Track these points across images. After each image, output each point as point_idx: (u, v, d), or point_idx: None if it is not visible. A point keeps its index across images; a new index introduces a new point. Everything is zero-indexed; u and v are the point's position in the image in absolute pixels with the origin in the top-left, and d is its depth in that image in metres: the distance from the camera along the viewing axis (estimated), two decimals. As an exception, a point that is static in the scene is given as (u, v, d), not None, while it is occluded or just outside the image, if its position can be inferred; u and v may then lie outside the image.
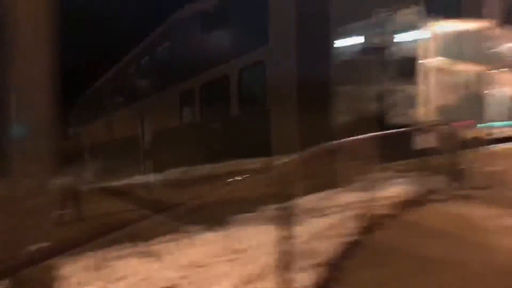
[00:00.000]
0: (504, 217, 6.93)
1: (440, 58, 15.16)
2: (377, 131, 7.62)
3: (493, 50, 19.12)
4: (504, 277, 4.56)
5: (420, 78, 14.69)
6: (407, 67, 15.00)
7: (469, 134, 10.77)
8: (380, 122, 13.33)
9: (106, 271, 4.74)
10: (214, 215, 6.32)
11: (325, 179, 8.57)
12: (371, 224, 6.26)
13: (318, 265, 4.79)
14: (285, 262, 3.93)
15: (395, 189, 8.47)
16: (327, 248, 5.26)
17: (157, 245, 5.79)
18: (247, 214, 7.28)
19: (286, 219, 3.91)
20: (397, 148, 9.12)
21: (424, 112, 14.39)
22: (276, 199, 3.92)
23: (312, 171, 5.51)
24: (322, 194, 8.09)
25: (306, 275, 4.48)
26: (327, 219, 6.71)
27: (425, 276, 4.58)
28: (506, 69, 20.09)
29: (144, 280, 4.48)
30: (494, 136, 20.03)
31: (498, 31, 19.93)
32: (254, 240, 5.38)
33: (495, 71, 19.38)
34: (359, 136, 6.49)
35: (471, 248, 5.47)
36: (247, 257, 4.74)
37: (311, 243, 5.41)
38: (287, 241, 3.91)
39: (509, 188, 9.22)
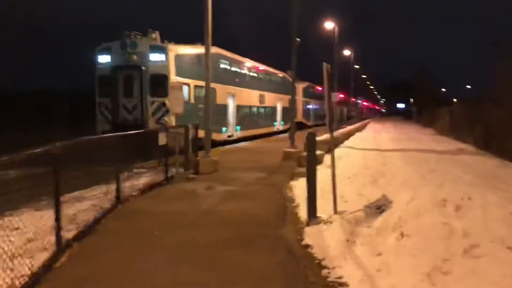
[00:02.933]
0: (215, 188, 10.42)
1: (180, 76, 18.77)
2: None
3: (222, 71, 24.22)
4: (204, 215, 7.72)
5: (166, 92, 17.91)
6: (157, 83, 18.09)
7: (200, 134, 14.30)
8: (136, 126, 15.95)
9: None
10: None
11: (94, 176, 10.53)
12: (124, 200, 8.73)
13: (78, 226, 6.93)
14: (56, 228, 5.90)
15: (144, 179, 11.12)
16: (89, 216, 7.44)
17: None
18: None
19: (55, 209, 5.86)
20: (147, 145, 11.87)
21: (168, 118, 17.64)
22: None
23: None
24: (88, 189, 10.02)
25: (73, 232, 6.59)
26: (89, 202, 8.81)
27: (156, 220, 7.33)
28: (235, 85, 25.61)
29: None
30: (232, 137, 25.36)
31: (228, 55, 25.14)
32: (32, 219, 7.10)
33: (228, 86, 24.58)
34: (112, 135, 8.87)
35: (188, 204, 8.55)
36: (29, 231, 6.44)
37: (78, 215, 7.46)
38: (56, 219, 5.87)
39: (225, 172, 13.09)
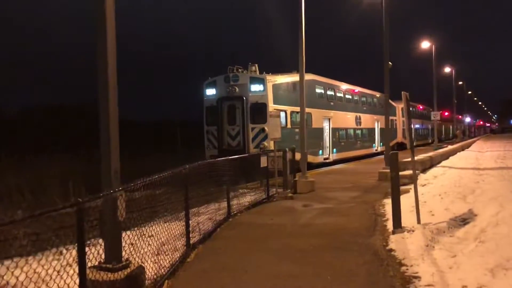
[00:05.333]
0: (312, 206, 11.52)
1: (278, 103, 20.34)
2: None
3: (318, 96, 25.40)
4: (302, 227, 8.88)
5: (265, 119, 19.53)
6: (256, 111, 19.85)
7: (297, 157, 15.53)
8: (238, 151, 17.72)
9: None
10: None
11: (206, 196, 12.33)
12: (233, 214, 10.23)
13: (201, 233, 8.51)
14: (185, 234, 7.50)
15: (249, 197, 12.62)
16: (207, 226, 9.01)
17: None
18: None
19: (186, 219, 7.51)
20: (251, 166, 13.45)
21: (267, 143, 19.15)
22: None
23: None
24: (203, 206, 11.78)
25: (196, 238, 8.16)
26: (206, 215, 10.47)
27: (261, 230, 8.65)
28: (330, 109, 26.58)
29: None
30: (328, 160, 26.23)
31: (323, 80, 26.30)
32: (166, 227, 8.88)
33: (323, 110, 25.66)
34: (223, 159, 10.51)
35: (287, 218, 9.78)
36: (161, 237, 8.17)
37: (198, 225, 9.08)
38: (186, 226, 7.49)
39: (321, 192, 14.12)
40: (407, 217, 8.15)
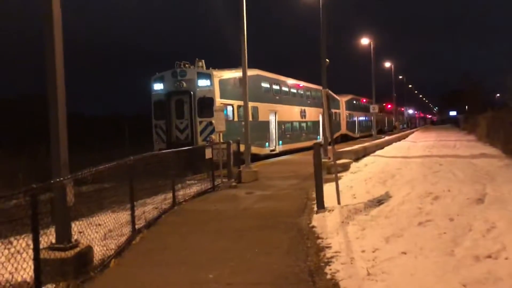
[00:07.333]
0: (254, 193, 12.43)
1: (225, 98, 21.12)
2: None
3: (264, 90, 26.41)
4: (242, 211, 9.75)
5: (213, 113, 20.23)
6: (204, 105, 20.52)
7: (242, 149, 16.42)
8: (187, 144, 18.36)
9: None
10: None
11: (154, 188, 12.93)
12: (178, 203, 10.95)
13: (147, 220, 9.19)
14: (131, 218, 8.17)
15: (195, 188, 13.36)
16: (153, 214, 9.69)
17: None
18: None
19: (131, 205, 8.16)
20: (198, 158, 14.21)
21: (215, 136, 19.92)
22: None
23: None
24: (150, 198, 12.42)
25: (142, 224, 8.83)
26: (152, 205, 11.12)
27: (203, 215, 9.45)
28: (276, 103, 27.67)
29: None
30: (274, 151, 27.34)
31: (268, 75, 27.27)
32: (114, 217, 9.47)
33: (269, 104, 26.70)
34: (167, 151, 11.19)
35: (230, 205, 10.63)
36: (109, 225, 8.77)
37: (144, 214, 9.74)
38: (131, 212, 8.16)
39: (264, 180, 15.08)
40: (334, 200, 9.22)
